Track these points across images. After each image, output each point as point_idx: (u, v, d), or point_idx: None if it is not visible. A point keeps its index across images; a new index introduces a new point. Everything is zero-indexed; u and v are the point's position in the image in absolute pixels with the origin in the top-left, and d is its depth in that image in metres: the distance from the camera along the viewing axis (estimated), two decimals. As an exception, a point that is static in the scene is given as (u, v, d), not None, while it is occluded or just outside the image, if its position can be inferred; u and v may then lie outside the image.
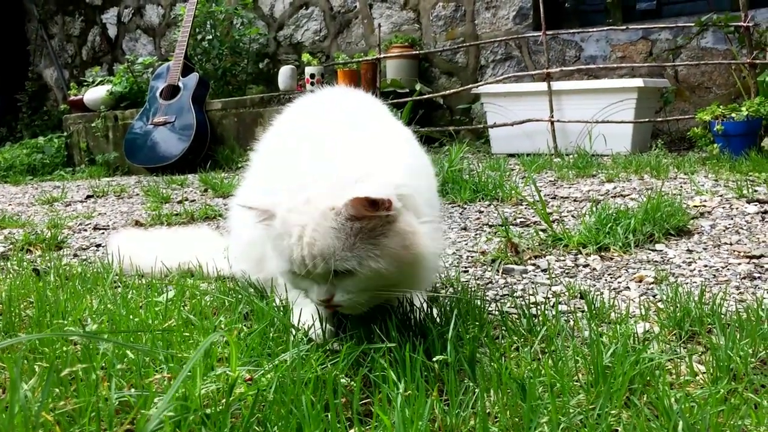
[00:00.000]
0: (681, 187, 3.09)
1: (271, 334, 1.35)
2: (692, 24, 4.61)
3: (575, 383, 1.18)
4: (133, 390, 1.12)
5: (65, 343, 1.26)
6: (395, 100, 5.42)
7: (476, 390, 1.15)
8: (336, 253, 1.19)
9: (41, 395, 0.90)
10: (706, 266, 2.01)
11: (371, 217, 1.20)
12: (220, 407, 1.01)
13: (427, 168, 1.58)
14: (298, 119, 1.64)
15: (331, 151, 1.34)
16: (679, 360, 1.29)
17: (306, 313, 1.39)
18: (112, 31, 7.95)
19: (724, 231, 2.35)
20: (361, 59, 5.77)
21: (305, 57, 5.82)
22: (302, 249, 1.21)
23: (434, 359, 1.22)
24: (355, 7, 6.36)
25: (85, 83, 7.00)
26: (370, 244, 1.21)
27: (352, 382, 1.09)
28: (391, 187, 1.22)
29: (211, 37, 6.27)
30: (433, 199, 1.52)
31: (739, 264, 2.01)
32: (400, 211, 1.24)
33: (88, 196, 4.29)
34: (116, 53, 7.91)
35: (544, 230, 2.42)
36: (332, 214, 1.20)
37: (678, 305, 1.56)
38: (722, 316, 1.51)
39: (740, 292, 1.77)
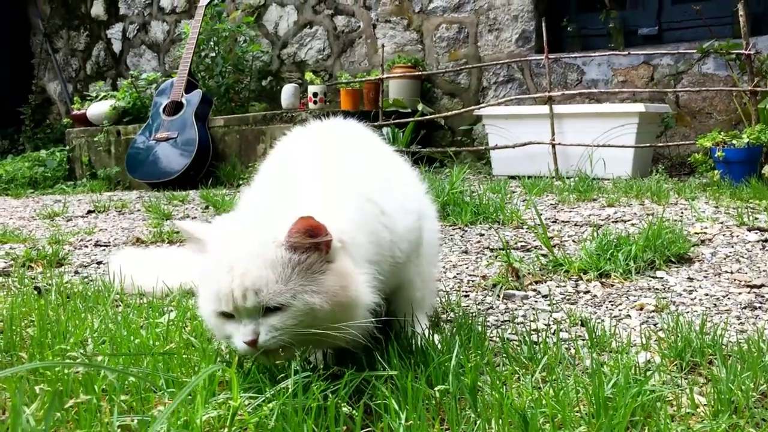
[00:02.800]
0: (682, 213, 3.10)
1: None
2: (694, 51, 4.64)
3: (576, 414, 1.18)
4: (133, 414, 1.12)
5: (66, 366, 1.26)
6: (397, 120, 5.45)
7: (477, 420, 1.15)
8: (269, 285, 1.14)
9: (44, 424, 0.90)
10: (707, 295, 2.01)
11: (310, 250, 1.17)
12: (222, 435, 1.01)
13: (398, 214, 1.43)
14: (282, 154, 1.57)
15: (289, 192, 1.30)
16: (680, 392, 1.29)
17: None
18: (116, 47, 7.99)
19: (724, 259, 2.36)
20: (363, 79, 5.80)
21: (308, 75, 5.85)
22: (233, 280, 1.15)
23: (436, 389, 1.22)
24: (359, 27, 6.40)
25: (89, 97, 7.03)
26: (306, 279, 1.16)
27: (354, 411, 1.09)
28: (332, 228, 1.19)
29: (214, 54, 6.30)
30: (402, 241, 1.43)
31: (740, 293, 2.01)
32: (338, 252, 1.21)
33: (90, 211, 4.29)
34: (120, 68, 7.95)
35: (545, 255, 2.42)
36: (272, 245, 1.16)
37: (679, 335, 1.56)
38: (723, 347, 1.51)
39: (741, 323, 1.78)
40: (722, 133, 4.03)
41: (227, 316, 1.18)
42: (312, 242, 1.17)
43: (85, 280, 2.41)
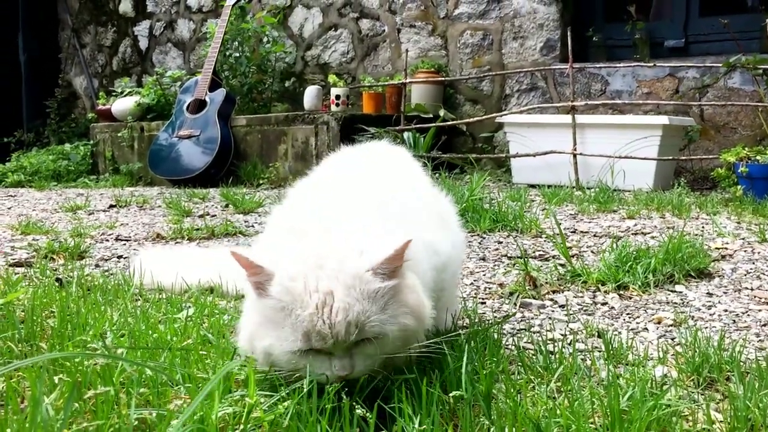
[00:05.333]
0: (703, 227, 3.08)
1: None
2: (720, 64, 4.60)
3: (591, 425, 1.18)
4: (150, 408, 1.13)
5: (86, 357, 1.27)
6: (418, 125, 5.45)
7: (491, 428, 1.15)
8: (370, 317, 1.12)
9: (63, 414, 0.91)
10: (726, 311, 1.99)
11: (395, 273, 1.16)
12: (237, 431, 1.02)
13: (444, 249, 1.48)
14: (324, 177, 1.55)
15: (352, 219, 1.28)
16: (696, 407, 1.28)
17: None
18: (143, 44, 8.07)
19: (745, 275, 2.34)
20: (386, 83, 5.81)
21: (331, 78, 5.87)
22: (330, 317, 1.10)
23: (450, 394, 1.22)
24: (384, 31, 6.42)
25: (114, 93, 7.11)
26: (396, 303, 1.16)
27: (368, 414, 1.09)
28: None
29: (239, 54, 6.35)
30: (446, 272, 1.49)
31: (760, 310, 1.99)
32: (406, 267, 1.20)
33: (111, 206, 4.33)
34: (146, 65, 8.03)
35: (563, 265, 2.41)
36: (368, 275, 1.14)
37: (697, 350, 1.55)
38: (741, 363, 1.49)
39: (760, 340, 1.76)
40: (746, 148, 3.99)
41: (312, 351, 1.13)
42: (399, 264, 1.17)
43: (106, 273, 2.44)
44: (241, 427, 1.02)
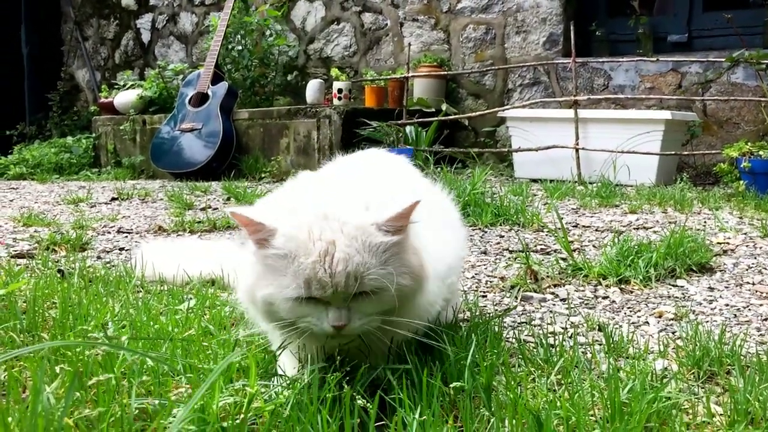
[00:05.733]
0: (705, 222, 3.07)
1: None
2: (723, 59, 4.59)
3: (591, 418, 1.18)
4: (151, 397, 1.13)
5: (86, 347, 1.28)
6: (421, 119, 5.44)
7: (491, 419, 1.15)
8: (370, 270, 1.14)
9: (64, 402, 0.91)
10: (727, 305, 1.99)
11: (400, 231, 1.18)
12: (237, 421, 1.02)
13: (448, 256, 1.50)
14: (326, 173, 1.57)
15: (342, 190, 1.29)
16: (696, 400, 1.28)
17: (292, 360, 1.30)
18: (145, 37, 8.06)
19: (746, 270, 2.34)
20: (389, 77, 5.80)
21: (334, 72, 5.86)
22: (331, 267, 1.12)
23: (451, 386, 1.22)
24: (386, 24, 6.41)
25: (116, 86, 7.10)
26: (397, 260, 1.17)
27: (368, 404, 1.09)
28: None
29: (241, 47, 6.34)
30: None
31: (761, 305, 1.99)
32: (411, 229, 1.22)
33: (113, 198, 4.34)
34: (148, 58, 8.02)
35: (564, 259, 2.41)
36: (373, 228, 1.16)
37: (698, 344, 1.55)
38: (742, 357, 1.49)
39: (761, 334, 1.76)
40: (749, 143, 3.98)
41: (311, 300, 1.15)
42: (405, 224, 1.18)
43: (107, 265, 2.44)
44: (242, 416, 1.03)
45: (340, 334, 1.16)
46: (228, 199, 4.21)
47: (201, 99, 5.90)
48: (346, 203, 1.21)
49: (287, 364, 1.28)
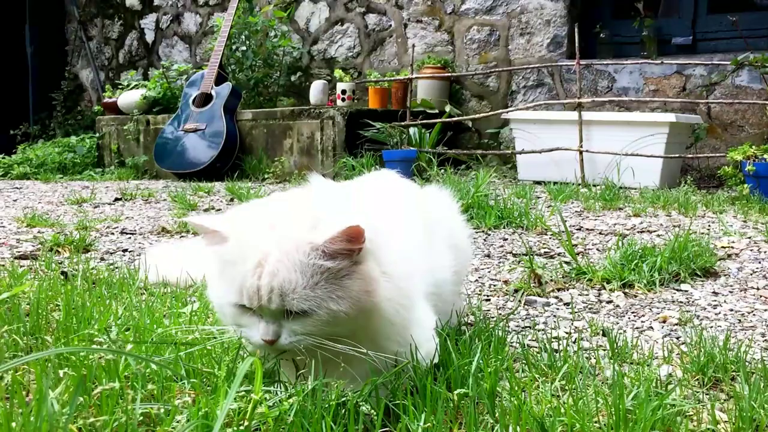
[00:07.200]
0: (709, 226, 3.07)
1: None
2: (728, 62, 4.58)
3: (595, 425, 1.17)
4: (154, 402, 1.13)
5: (91, 352, 1.27)
6: (424, 121, 5.44)
7: (495, 426, 1.15)
8: (296, 290, 1.10)
9: (69, 408, 0.91)
10: (731, 310, 1.98)
11: (342, 255, 1.12)
12: (242, 427, 1.02)
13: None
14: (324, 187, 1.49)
15: (315, 206, 1.24)
16: (701, 407, 1.28)
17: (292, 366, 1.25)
18: (149, 37, 8.07)
19: (751, 275, 2.33)
20: (392, 78, 5.80)
21: (337, 73, 5.86)
22: (259, 278, 1.10)
23: (455, 392, 1.22)
24: (390, 26, 6.41)
25: (120, 86, 7.11)
26: (333, 285, 1.12)
27: (373, 410, 1.09)
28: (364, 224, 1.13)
29: (245, 47, 6.34)
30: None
31: (766, 310, 1.98)
32: (367, 254, 1.16)
33: (117, 199, 4.34)
34: (152, 58, 8.03)
35: (568, 262, 2.41)
36: (308, 248, 1.11)
37: (702, 350, 1.54)
38: (747, 363, 1.49)
39: (766, 340, 1.75)
40: (753, 146, 3.97)
41: (248, 310, 1.14)
42: (349, 248, 1.12)
43: (111, 267, 2.44)
44: (246, 423, 1.02)
45: (272, 347, 1.14)
46: (231, 200, 4.21)
47: (205, 99, 5.91)
48: (299, 218, 1.17)
49: (289, 370, 1.28)
